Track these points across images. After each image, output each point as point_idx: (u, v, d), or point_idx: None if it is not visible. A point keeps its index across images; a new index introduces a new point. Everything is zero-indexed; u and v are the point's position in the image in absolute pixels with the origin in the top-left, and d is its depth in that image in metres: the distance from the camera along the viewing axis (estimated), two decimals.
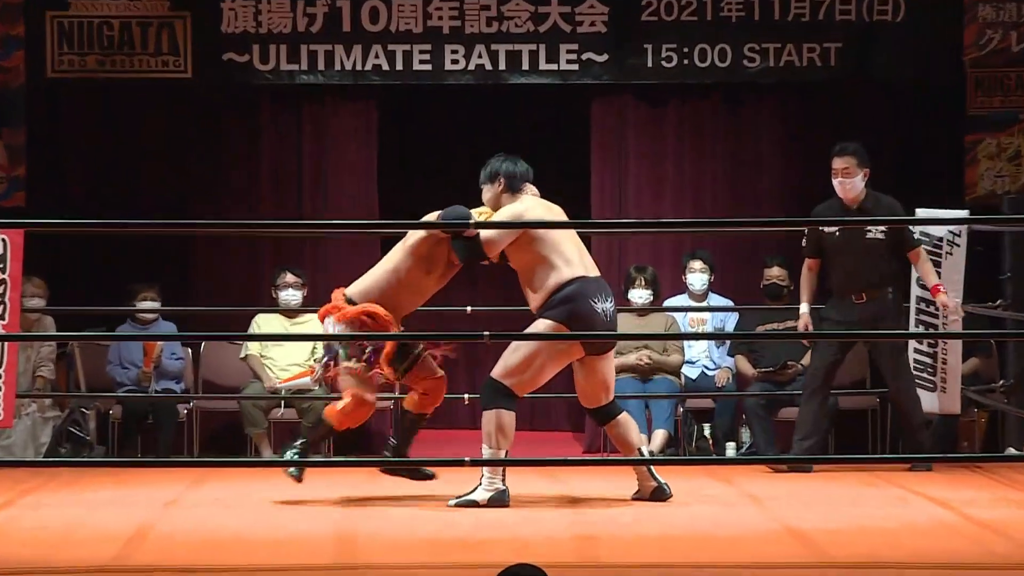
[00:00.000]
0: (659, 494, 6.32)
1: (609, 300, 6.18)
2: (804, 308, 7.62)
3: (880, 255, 7.44)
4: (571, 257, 6.15)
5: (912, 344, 7.83)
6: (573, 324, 6.06)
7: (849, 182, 7.43)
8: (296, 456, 6.17)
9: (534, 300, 6.19)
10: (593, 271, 6.24)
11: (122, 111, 9.71)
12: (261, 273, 9.60)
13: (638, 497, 6.37)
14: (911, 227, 7.53)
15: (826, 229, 7.51)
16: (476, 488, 6.14)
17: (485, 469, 6.11)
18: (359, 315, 6.16)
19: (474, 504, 6.07)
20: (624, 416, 6.36)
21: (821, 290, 7.80)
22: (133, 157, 9.70)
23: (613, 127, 9.72)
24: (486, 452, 6.12)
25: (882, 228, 7.40)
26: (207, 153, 9.72)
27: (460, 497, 6.14)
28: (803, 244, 7.68)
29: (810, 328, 7.65)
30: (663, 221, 9.22)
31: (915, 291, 7.84)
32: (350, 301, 6.27)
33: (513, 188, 6.35)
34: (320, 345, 8.03)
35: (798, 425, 7.57)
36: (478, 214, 6.38)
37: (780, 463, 7.48)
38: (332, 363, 6.29)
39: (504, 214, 6.25)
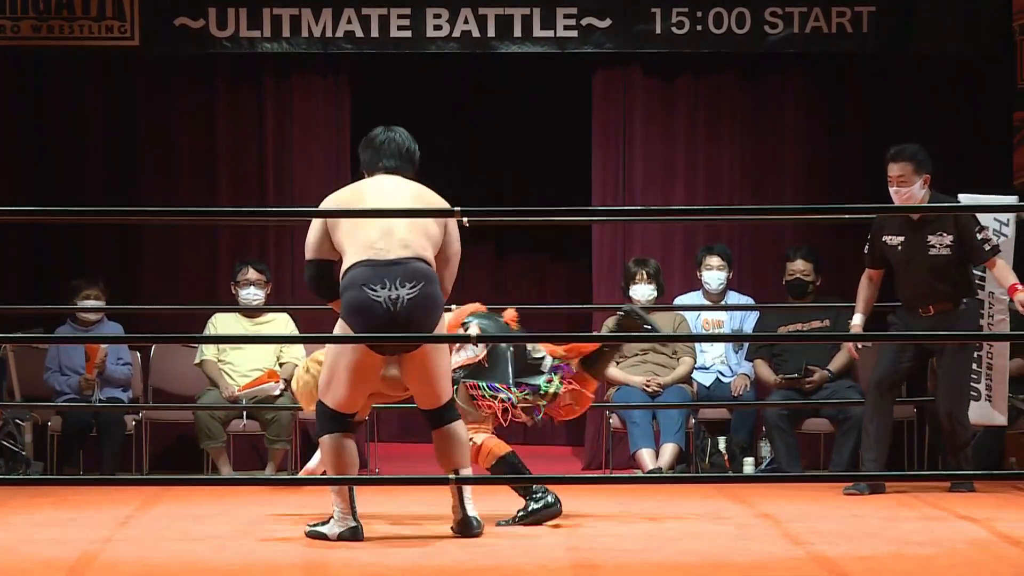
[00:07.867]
0: (466, 528, 5.99)
1: (403, 287, 5.75)
2: (857, 319, 7.61)
3: (946, 271, 7.47)
4: (367, 240, 5.86)
5: (986, 348, 7.90)
6: (351, 319, 5.78)
7: (905, 191, 7.42)
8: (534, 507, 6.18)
9: None
10: (392, 253, 5.81)
11: (60, 83, 9.75)
12: (219, 268, 9.65)
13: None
14: (980, 234, 7.48)
15: (889, 241, 7.52)
16: (329, 520, 5.92)
17: (338, 505, 5.88)
18: None
19: (323, 537, 5.88)
20: (456, 427, 6.01)
21: (891, 299, 7.79)
22: (72, 136, 9.74)
23: (617, 102, 9.76)
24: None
25: (947, 243, 7.42)
26: (157, 131, 9.75)
27: (312, 525, 5.97)
28: (865, 251, 7.67)
29: (858, 342, 7.73)
30: (673, 208, 9.25)
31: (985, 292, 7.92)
32: None
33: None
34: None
35: (868, 442, 7.64)
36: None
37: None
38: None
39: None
